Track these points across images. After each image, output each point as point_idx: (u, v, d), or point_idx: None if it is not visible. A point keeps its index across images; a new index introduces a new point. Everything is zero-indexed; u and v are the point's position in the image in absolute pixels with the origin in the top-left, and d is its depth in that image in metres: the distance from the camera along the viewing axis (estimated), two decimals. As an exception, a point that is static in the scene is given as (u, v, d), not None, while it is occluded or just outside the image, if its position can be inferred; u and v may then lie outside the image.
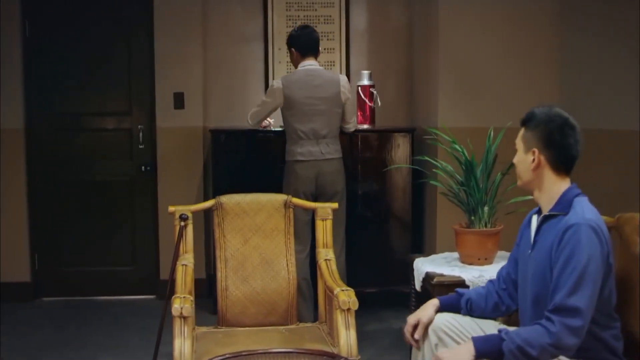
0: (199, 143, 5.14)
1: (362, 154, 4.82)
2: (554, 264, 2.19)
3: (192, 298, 2.89)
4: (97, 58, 5.14)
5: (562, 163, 2.32)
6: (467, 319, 2.47)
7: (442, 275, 2.97)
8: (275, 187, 4.55)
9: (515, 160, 2.42)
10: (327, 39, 5.29)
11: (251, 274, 3.34)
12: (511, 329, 2.24)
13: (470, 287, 2.88)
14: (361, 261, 4.74)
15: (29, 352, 4.18)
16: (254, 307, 3.32)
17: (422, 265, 3.11)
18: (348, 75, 5.30)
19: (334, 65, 5.31)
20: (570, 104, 4.56)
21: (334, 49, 5.30)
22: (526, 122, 2.38)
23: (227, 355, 2.33)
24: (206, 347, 3.02)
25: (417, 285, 3.13)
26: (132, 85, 5.18)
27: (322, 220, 3.40)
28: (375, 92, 4.92)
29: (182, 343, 2.80)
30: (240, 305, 3.32)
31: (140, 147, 5.21)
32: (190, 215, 3.31)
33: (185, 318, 2.81)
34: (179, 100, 5.12)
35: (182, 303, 2.80)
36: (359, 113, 4.96)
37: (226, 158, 4.84)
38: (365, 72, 4.96)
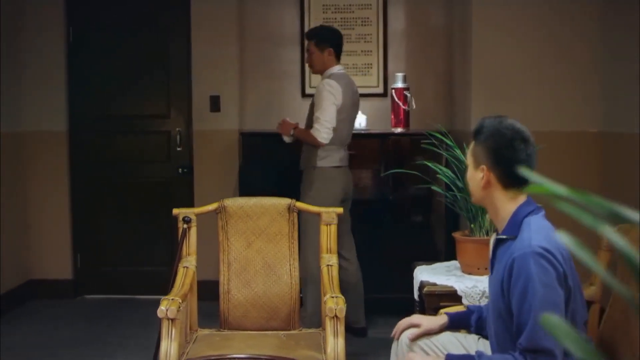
0: (234, 146, 5.17)
1: (394, 158, 4.73)
2: (510, 297, 2.03)
3: (180, 300, 2.89)
4: (137, 62, 5.26)
5: (513, 181, 2.10)
6: (449, 336, 2.36)
7: (434, 284, 2.86)
8: (299, 194, 4.55)
9: (467, 177, 2.24)
10: (364, 41, 5.23)
11: (253, 277, 3.32)
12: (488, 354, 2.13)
13: (463, 298, 2.77)
14: (397, 267, 4.65)
15: (50, 348, 4.31)
16: (255, 311, 3.31)
17: (420, 274, 3.02)
18: (385, 78, 5.23)
19: (371, 67, 5.25)
20: (612, 108, 4.35)
21: (371, 51, 5.23)
22: (476, 134, 2.17)
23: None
24: (199, 349, 3.02)
25: (415, 294, 3.04)
26: (170, 88, 5.27)
27: (327, 225, 3.35)
28: (409, 95, 4.82)
29: (168, 345, 2.80)
30: (242, 308, 3.31)
31: (178, 149, 5.29)
32: (194, 217, 3.33)
33: (172, 320, 2.82)
34: (215, 104, 5.17)
35: (169, 305, 2.81)
36: (392, 116, 4.87)
37: (257, 161, 4.86)
38: (400, 75, 4.87)
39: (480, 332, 2.34)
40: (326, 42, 4.31)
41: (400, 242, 4.68)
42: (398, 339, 2.41)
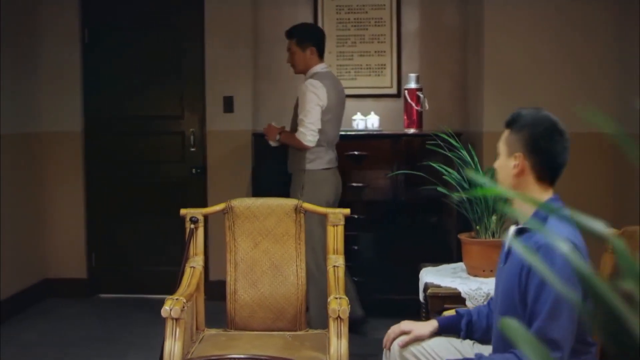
0: (248, 146, 5.18)
1: (406, 158, 4.71)
2: (525, 287, 2.02)
3: (185, 300, 2.90)
4: (152, 63, 5.29)
5: (547, 171, 2.13)
6: (444, 341, 2.34)
7: (438, 286, 2.84)
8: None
9: (496, 165, 2.23)
10: (378, 42, 5.21)
11: (260, 278, 3.32)
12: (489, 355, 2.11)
13: (467, 300, 2.75)
14: (407, 268, 4.63)
15: (65, 346, 4.35)
16: (262, 312, 3.31)
17: (425, 275, 3.00)
18: (399, 78, 5.21)
19: (384, 68, 5.23)
20: (625, 110, 4.30)
21: (384, 51, 5.22)
22: (511, 123, 2.19)
23: None
24: (205, 349, 3.04)
25: (420, 296, 3.02)
26: (184, 89, 5.29)
27: (334, 226, 3.34)
28: (422, 96, 4.80)
29: (172, 344, 2.82)
30: (248, 309, 3.31)
31: (192, 150, 5.31)
32: (201, 218, 3.34)
33: (176, 320, 2.83)
34: (228, 104, 5.18)
35: (173, 305, 2.83)
36: (405, 117, 4.86)
37: (270, 162, 4.86)
38: (413, 75, 4.85)
39: (471, 336, 2.32)
40: (308, 40, 4.19)
41: (411, 243, 4.66)
42: (389, 348, 2.39)
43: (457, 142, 3.05)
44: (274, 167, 4.84)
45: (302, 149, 4.13)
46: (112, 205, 5.38)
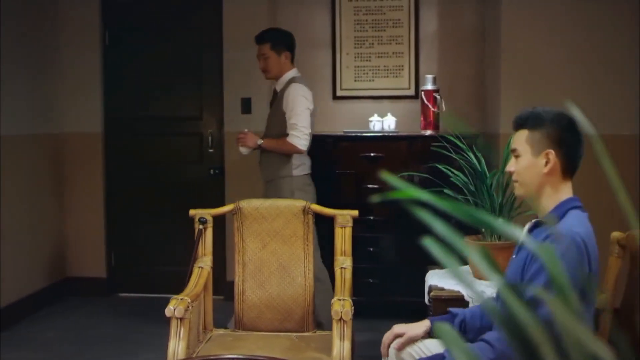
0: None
1: (422, 160, 4.69)
2: (525, 274, 2.03)
3: (190, 300, 2.92)
4: (170, 65, 5.34)
5: (570, 164, 2.16)
6: (436, 341, 2.33)
7: (441, 289, 2.82)
8: (330, 195, 4.55)
9: (517, 167, 2.19)
10: (396, 43, 5.19)
11: (268, 279, 3.34)
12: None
13: (470, 303, 2.72)
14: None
15: (83, 343, 4.40)
16: (269, 312, 3.32)
17: (430, 278, 2.98)
18: (416, 80, 5.18)
19: (402, 69, 5.21)
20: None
21: (402, 53, 5.19)
22: (524, 123, 2.18)
23: None
24: (210, 349, 3.05)
25: (426, 299, 3.00)
26: (203, 90, 5.33)
27: (342, 227, 3.34)
28: (438, 97, 4.77)
29: (176, 344, 2.84)
30: (256, 309, 3.32)
31: (210, 150, 5.34)
32: (210, 218, 3.37)
33: (181, 319, 2.85)
34: (246, 106, 5.20)
35: (177, 304, 2.85)
36: (421, 118, 4.83)
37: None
38: (429, 77, 4.82)
39: (464, 335, 2.30)
40: (282, 44, 4.16)
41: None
42: (387, 355, 2.39)
43: (463, 143, 3.02)
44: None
45: (295, 153, 4.06)
46: (131, 206, 5.44)
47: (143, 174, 5.41)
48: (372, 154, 4.74)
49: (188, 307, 2.88)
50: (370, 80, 5.23)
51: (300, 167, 4.15)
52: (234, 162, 5.26)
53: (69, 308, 5.14)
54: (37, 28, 5.03)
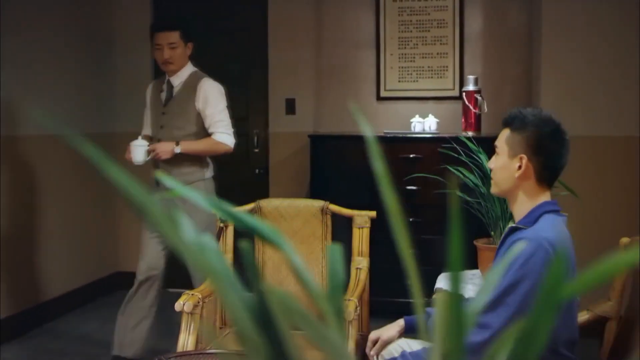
0: (308, 148, 5.24)
1: (460, 162, 4.63)
2: None
3: (201, 296, 3.00)
4: (219, 66, 5.43)
5: (548, 172, 2.09)
6: (420, 342, 2.32)
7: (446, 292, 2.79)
8: (366, 196, 4.55)
9: (494, 165, 2.17)
10: (440, 44, 5.14)
11: (285, 278, 3.38)
12: None
13: (472, 307, 2.69)
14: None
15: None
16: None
17: (440, 281, 2.96)
18: (461, 80, 5.12)
19: (446, 70, 5.15)
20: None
21: (447, 53, 5.14)
22: (511, 122, 2.13)
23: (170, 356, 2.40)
24: (222, 344, 3.12)
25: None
26: (249, 91, 5.43)
27: (360, 228, 3.36)
28: (480, 98, 4.70)
29: (185, 337, 2.93)
30: (274, 307, 3.37)
31: (255, 150, 5.44)
32: (231, 217, 3.44)
33: (191, 314, 2.94)
34: (290, 106, 5.27)
35: (187, 300, 2.93)
36: (462, 120, 4.77)
37: (327, 163, 4.91)
38: (471, 77, 4.76)
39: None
40: (190, 35, 3.84)
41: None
42: None
43: (475, 145, 2.98)
44: (331, 169, 4.89)
45: (225, 153, 3.81)
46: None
47: (191, 173, 5.55)
48: (411, 155, 4.71)
49: (198, 302, 2.96)
50: (414, 81, 5.21)
51: (210, 168, 3.90)
52: (278, 163, 5.34)
53: (118, 301, 5.29)
54: (93, 32, 5.25)
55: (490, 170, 2.19)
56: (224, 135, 3.78)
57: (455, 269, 0.60)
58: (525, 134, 2.08)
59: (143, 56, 5.48)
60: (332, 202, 3.48)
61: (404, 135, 4.80)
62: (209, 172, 3.90)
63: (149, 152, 3.72)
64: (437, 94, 5.19)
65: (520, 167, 2.08)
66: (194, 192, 0.74)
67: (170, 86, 3.87)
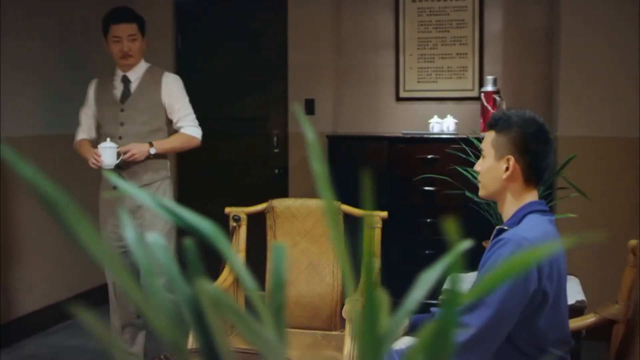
0: (326, 148, 5.26)
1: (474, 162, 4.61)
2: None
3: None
4: (238, 67, 5.50)
5: (535, 172, 2.09)
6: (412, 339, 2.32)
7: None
8: (384, 196, 4.57)
9: (481, 168, 2.17)
10: (460, 44, 5.12)
11: (297, 277, 3.40)
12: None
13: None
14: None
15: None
16: (298, 310, 3.39)
17: (449, 281, 2.95)
18: (480, 81, 5.09)
19: (466, 70, 5.13)
20: None
21: (466, 54, 5.12)
22: (495, 124, 2.13)
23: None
24: (232, 342, 3.15)
25: (442, 302, 2.98)
26: (269, 92, 5.46)
27: (370, 228, 3.36)
28: (499, 99, 4.67)
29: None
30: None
31: (275, 151, 5.47)
32: (244, 216, 3.47)
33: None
34: (309, 107, 5.29)
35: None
36: (481, 120, 4.75)
37: (344, 164, 4.91)
38: (490, 78, 4.73)
39: None
40: (145, 29, 3.75)
41: (481, 248, 4.55)
42: None
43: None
44: (349, 170, 4.89)
45: (195, 147, 3.80)
46: (200, 204, 5.57)
47: (212, 173, 5.61)
48: (428, 156, 4.70)
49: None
50: (433, 82, 5.19)
51: (166, 168, 3.80)
52: (297, 163, 5.37)
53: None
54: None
55: (478, 173, 2.20)
56: (194, 129, 3.76)
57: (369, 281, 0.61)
58: (510, 134, 2.08)
59: (165, 58, 5.54)
60: (350, 202, 3.49)
61: (421, 136, 4.79)
62: (168, 171, 3.82)
63: (119, 154, 3.54)
64: (456, 95, 5.17)
65: (507, 168, 2.08)
66: (143, 192, 0.76)
67: (127, 81, 3.73)
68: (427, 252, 4.73)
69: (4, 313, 4.38)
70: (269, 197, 5.42)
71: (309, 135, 0.79)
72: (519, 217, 2.06)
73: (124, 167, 3.62)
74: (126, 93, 3.71)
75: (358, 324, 0.63)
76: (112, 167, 3.52)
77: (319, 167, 0.74)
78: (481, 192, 2.20)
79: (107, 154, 3.51)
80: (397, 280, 4.74)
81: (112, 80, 3.75)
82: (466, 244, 0.63)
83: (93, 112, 3.79)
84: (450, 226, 0.59)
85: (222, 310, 0.68)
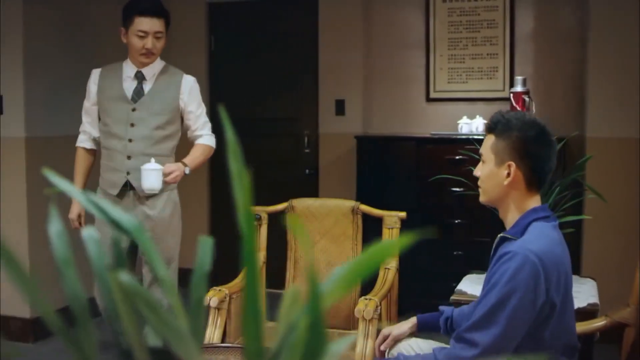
0: (355, 149, 5.28)
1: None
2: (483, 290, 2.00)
3: (227, 292, 3.09)
4: (270, 68, 5.57)
5: (537, 177, 2.04)
6: (430, 343, 2.33)
7: (464, 293, 2.80)
8: (411, 197, 4.57)
9: (481, 174, 2.13)
10: (491, 44, 5.09)
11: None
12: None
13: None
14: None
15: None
16: (317, 309, 3.42)
17: (463, 282, 2.96)
18: (511, 81, 5.05)
19: (496, 71, 5.09)
20: None
21: (497, 54, 5.08)
22: (494, 128, 2.09)
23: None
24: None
25: (455, 303, 2.98)
26: (300, 92, 5.51)
27: (390, 228, 3.38)
28: (528, 99, 4.63)
29: (212, 331, 3.03)
30: (304, 305, 3.43)
31: (306, 151, 5.51)
32: (264, 215, 3.52)
33: (218, 309, 3.03)
34: (339, 107, 5.32)
35: (213, 295, 3.03)
36: (510, 121, 4.71)
37: (373, 165, 4.93)
38: (519, 78, 4.68)
39: (450, 333, 2.28)
40: (169, 26, 3.44)
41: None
42: (378, 356, 2.42)
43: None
44: (378, 171, 4.91)
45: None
46: (231, 203, 5.70)
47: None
48: (456, 157, 4.69)
49: (225, 298, 3.05)
50: (463, 82, 5.17)
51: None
52: (327, 163, 5.40)
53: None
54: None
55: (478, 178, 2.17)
56: (212, 138, 3.55)
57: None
58: (510, 139, 2.03)
59: (198, 60, 5.63)
60: (378, 203, 3.51)
61: (449, 137, 4.78)
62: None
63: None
64: (486, 95, 5.14)
65: (509, 174, 2.04)
66: (82, 192, 0.80)
67: (142, 78, 3.41)
68: (455, 253, 4.72)
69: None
70: (300, 197, 5.49)
71: (228, 134, 0.82)
72: (522, 226, 2.01)
73: (129, 171, 3.38)
74: (140, 91, 3.39)
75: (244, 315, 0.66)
76: (157, 191, 3.26)
77: (235, 166, 0.78)
78: (482, 198, 2.16)
79: (153, 176, 3.19)
80: (424, 281, 4.74)
81: (121, 74, 3.41)
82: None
83: (96, 107, 3.46)
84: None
85: (135, 302, 0.72)
